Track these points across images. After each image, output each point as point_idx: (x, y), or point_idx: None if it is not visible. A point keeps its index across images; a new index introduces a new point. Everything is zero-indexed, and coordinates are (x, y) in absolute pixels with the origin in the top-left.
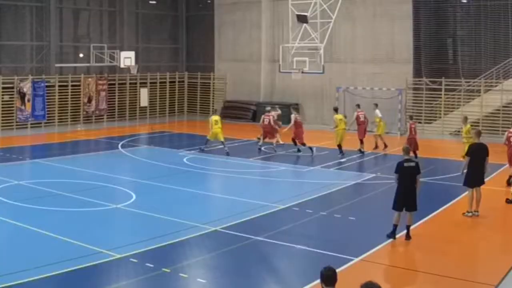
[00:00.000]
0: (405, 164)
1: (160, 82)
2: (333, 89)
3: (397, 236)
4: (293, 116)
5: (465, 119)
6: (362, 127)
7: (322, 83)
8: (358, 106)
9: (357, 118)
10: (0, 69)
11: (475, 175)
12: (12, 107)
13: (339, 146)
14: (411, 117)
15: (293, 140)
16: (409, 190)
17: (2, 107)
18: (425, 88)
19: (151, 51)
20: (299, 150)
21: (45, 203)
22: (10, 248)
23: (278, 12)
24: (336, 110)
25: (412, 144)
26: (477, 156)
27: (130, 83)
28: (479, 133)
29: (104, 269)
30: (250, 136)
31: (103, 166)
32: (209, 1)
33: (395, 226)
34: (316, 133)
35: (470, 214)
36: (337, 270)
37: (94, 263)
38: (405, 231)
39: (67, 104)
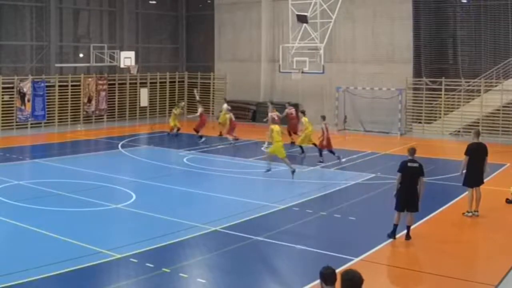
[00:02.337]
0: (409, 164)
1: (160, 82)
2: (333, 89)
3: (397, 236)
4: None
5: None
6: (293, 122)
7: (322, 83)
8: (289, 103)
9: (288, 115)
10: (0, 69)
11: (474, 175)
12: (12, 107)
13: (301, 146)
14: (323, 118)
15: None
16: (410, 190)
17: (2, 107)
18: (425, 88)
19: (151, 51)
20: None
21: (45, 203)
22: (10, 248)
23: (278, 12)
24: (303, 112)
25: (327, 144)
26: (477, 156)
27: (130, 83)
28: (478, 133)
29: (104, 269)
30: (250, 136)
31: (103, 166)
32: (209, 1)
33: (395, 226)
34: (316, 133)
35: (470, 214)
36: (337, 270)
37: (94, 263)
38: (405, 231)
39: (67, 104)
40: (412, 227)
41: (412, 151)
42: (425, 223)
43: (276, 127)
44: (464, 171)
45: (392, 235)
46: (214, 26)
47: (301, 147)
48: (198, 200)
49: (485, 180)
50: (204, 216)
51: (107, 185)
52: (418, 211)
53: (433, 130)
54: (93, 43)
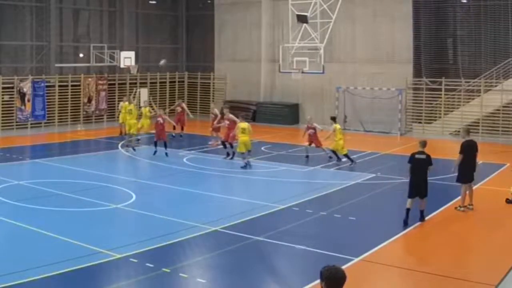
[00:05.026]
0: (416, 156)
1: (160, 82)
2: (333, 89)
3: (412, 227)
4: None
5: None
6: (179, 117)
7: (322, 83)
8: (182, 100)
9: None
10: (0, 69)
11: (468, 171)
12: (12, 107)
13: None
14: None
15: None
16: (419, 179)
17: (2, 107)
18: (425, 88)
19: (151, 51)
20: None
21: (45, 203)
22: (10, 248)
23: (278, 12)
24: (334, 119)
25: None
26: (470, 153)
27: (130, 83)
28: (468, 131)
29: (104, 269)
30: (250, 136)
31: (103, 166)
32: (209, 1)
33: (408, 210)
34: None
35: (462, 209)
36: None
37: (94, 263)
38: (408, 228)
39: (67, 104)
40: (411, 227)
41: (423, 143)
42: (424, 223)
43: None
44: (456, 167)
45: (406, 219)
46: (214, 26)
47: (347, 156)
48: (198, 200)
49: (485, 180)
50: (204, 216)
51: (107, 185)
52: (426, 196)
53: (433, 130)
54: (93, 43)
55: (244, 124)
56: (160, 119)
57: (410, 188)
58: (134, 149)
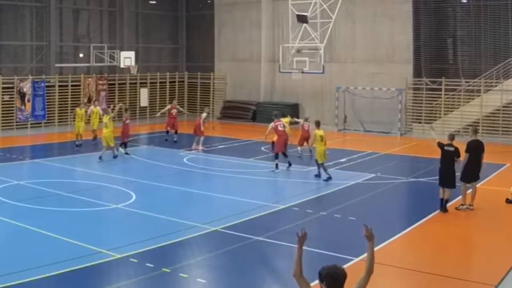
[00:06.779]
0: (445, 148)
1: (160, 82)
2: (333, 89)
3: (394, 236)
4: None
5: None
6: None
7: (322, 83)
8: (176, 101)
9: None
10: (0, 69)
11: (471, 170)
12: (12, 107)
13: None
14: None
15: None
16: (447, 170)
17: (2, 107)
18: (425, 88)
19: (151, 51)
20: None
21: (45, 203)
22: (10, 248)
23: (278, 12)
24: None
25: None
26: (475, 153)
27: (130, 83)
28: (475, 130)
29: (104, 269)
30: (250, 136)
31: (103, 166)
32: (209, 1)
33: (441, 199)
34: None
35: (464, 207)
36: None
37: (94, 263)
38: (408, 228)
39: (67, 104)
40: (410, 228)
41: (451, 136)
42: (425, 223)
43: None
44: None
45: (441, 208)
46: (214, 26)
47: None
48: (198, 200)
49: (485, 180)
50: (204, 216)
51: (107, 185)
52: (454, 188)
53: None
54: (93, 43)
55: (321, 132)
56: (128, 121)
57: (440, 177)
58: (116, 156)
